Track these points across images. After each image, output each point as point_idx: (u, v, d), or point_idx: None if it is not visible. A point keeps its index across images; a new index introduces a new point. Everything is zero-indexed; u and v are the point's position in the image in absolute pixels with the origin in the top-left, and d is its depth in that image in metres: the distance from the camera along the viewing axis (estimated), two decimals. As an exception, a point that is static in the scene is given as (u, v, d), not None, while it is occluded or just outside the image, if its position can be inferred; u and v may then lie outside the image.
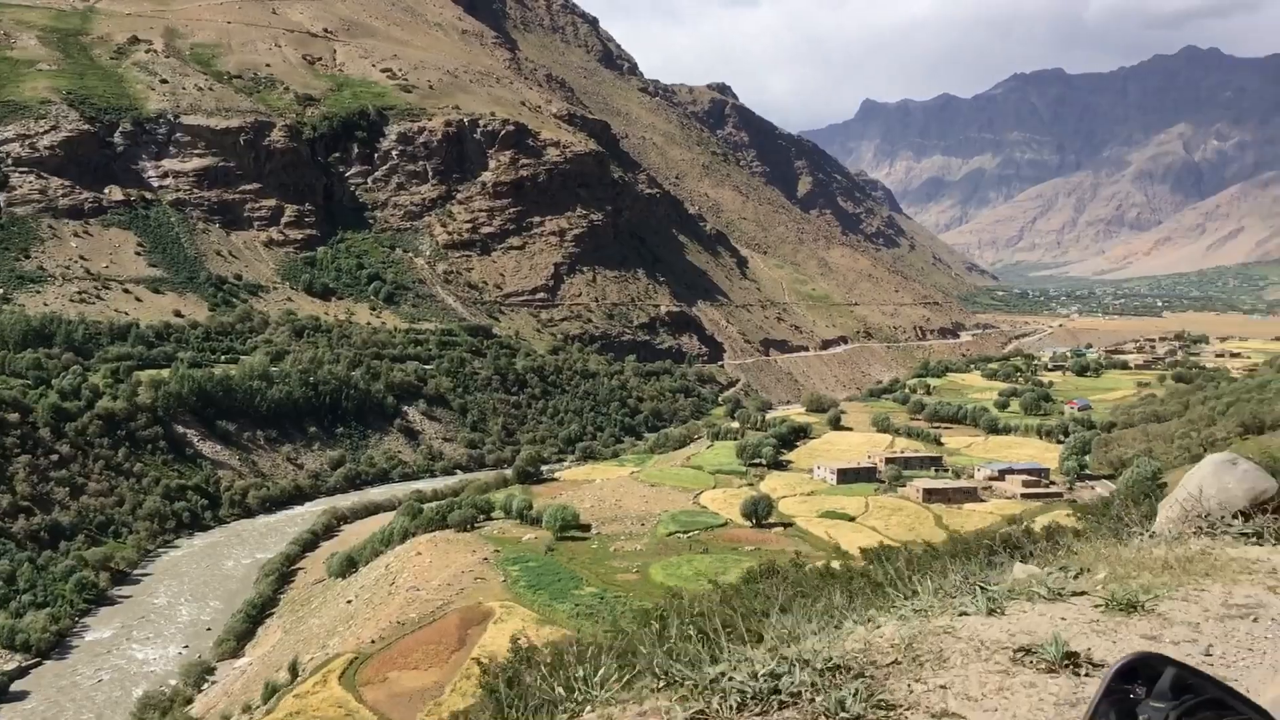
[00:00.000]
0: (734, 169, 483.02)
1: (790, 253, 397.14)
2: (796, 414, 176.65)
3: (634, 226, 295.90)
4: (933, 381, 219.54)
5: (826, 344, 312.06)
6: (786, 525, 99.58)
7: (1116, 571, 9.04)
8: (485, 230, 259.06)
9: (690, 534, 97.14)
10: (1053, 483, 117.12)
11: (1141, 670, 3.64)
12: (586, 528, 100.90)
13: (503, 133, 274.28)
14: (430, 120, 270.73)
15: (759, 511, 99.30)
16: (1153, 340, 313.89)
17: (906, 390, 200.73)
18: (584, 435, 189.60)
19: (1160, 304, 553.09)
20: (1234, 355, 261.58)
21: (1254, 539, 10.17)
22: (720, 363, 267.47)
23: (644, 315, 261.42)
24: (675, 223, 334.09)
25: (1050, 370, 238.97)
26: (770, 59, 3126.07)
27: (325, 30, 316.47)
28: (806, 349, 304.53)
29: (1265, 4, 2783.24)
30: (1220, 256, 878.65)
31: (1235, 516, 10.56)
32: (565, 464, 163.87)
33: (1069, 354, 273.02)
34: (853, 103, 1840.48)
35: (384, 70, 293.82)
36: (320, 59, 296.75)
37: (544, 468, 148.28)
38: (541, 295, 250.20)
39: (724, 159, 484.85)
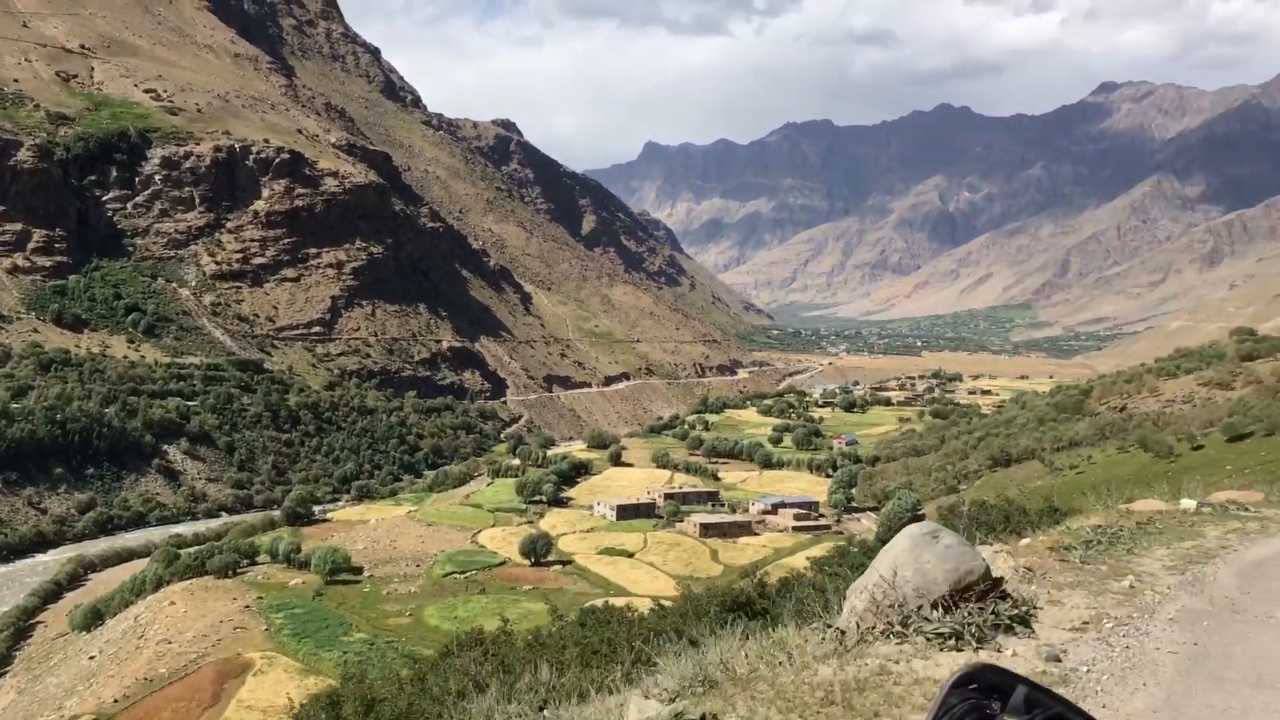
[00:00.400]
0: (518, 205, 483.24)
1: (574, 289, 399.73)
2: (578, 450, 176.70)
3: (416, 260, 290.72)
4: (711, 418, 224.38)
5: (609, 380, 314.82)
6: (565, 563, 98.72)
7: (756, 715, 7.27)
8: (257, 261, 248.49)
9: (467, 574, 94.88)
10: (822, 515, 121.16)
11: (981, 682, 3.52)
12: (359, 570, 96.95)
13: (277, 160, 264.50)
14: (198, 145, 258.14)
15: (538, 549, 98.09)
16: (913, 378, 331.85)
17: (686, 426, 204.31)
18: (360, 474, 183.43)
19: (920, 344, 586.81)
20: (985, 392, 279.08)
21: (952, 641, 8.47)
22: (503, 399, 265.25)
23: (425, 350, 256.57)
24: (458, 257, 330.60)
25: (821, 406, 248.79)
26: (556, 98, 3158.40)
27: (82, 47, 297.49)
28: (590, 385, 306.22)
29: (1010, 69, 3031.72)
30: (972, 300, 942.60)
31: (934, 607, 8.79)
32: (339, 504, 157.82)
33: (838, 391, 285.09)
34: (636, 144, 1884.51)
35: (147, 91, 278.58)
36: (76, 76, 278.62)
37: (316, 508, 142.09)
38: (318, 329, 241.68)
39: (508, 195, 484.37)
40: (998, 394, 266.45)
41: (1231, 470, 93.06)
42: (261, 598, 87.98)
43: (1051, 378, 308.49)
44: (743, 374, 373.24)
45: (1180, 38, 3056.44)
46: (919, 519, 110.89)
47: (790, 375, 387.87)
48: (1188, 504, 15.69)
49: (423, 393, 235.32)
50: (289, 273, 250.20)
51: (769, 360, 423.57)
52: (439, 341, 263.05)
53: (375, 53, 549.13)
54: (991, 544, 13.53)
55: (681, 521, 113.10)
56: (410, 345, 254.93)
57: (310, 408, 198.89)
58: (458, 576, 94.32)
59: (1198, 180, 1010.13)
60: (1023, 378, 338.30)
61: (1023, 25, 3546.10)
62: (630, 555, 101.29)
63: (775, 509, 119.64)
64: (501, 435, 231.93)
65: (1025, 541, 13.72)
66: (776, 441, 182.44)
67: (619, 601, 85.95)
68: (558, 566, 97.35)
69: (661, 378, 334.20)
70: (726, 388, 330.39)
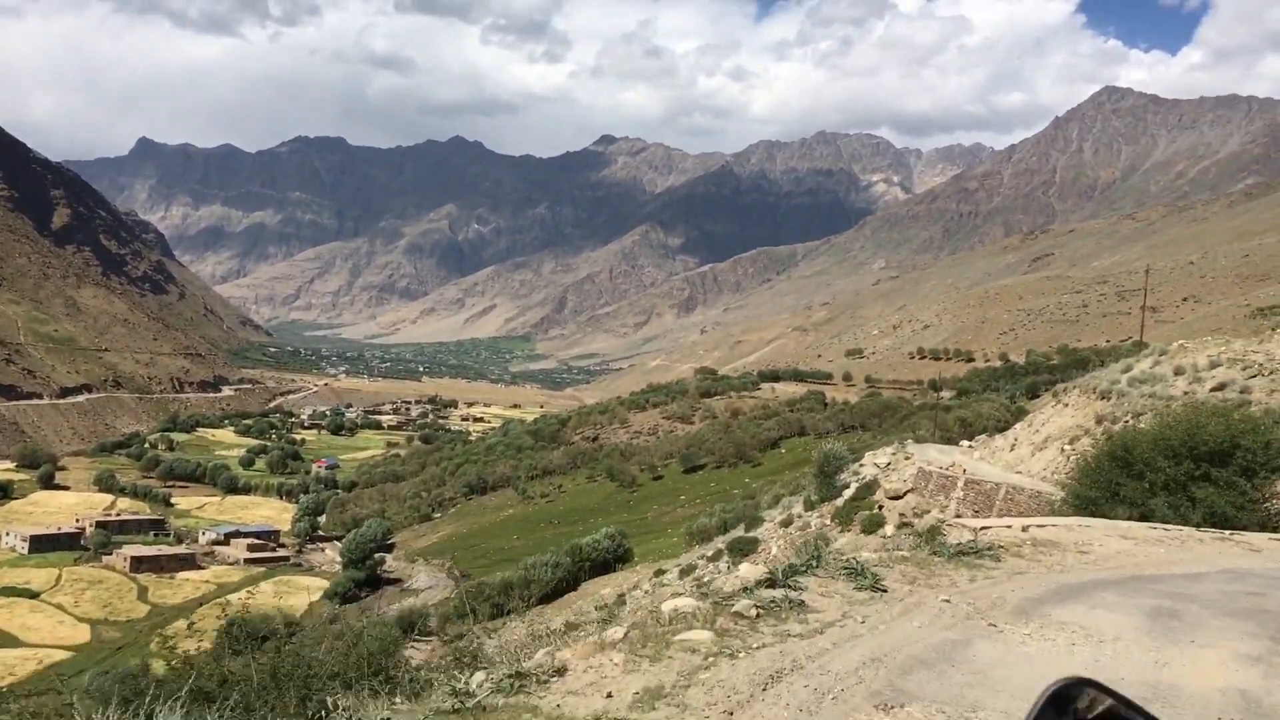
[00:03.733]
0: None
1: (32, 288, 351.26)
2: (1, 470, 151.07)
3: None
4: (179, 436, 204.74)
5: (66, 392, 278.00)
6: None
7: None
8: None
9: None
10: (283, 545, 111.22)
11: (1075, 696, 3.40)
12: None
13: None
14: None
15: (-98, 594, 79.26)
16: (409, 402, 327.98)
17: (146, 445, 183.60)
18: None
19: (422, 369, 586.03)
20: (477, 419, 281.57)
21: None
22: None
23: None
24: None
25: (307, 428, 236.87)
26: (35, 78, 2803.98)
27: None
28: (41, 396, 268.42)
29: (523, 111, 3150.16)
30: (476, 329, 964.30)
31: None
32: None
33: (328, 413, 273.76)
34: (128, 138, 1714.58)
35: None
36: None
37: None
38: None
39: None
40: (490, 421, 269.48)
41: (685, 500, 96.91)
42: None
43: (542, 407, 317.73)
44: (228, 391, 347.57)
45: (671, 103, 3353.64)
46: (387, 549, 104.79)
47: (282, 395, 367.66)
48: None
49: None
50: None
51: (260, 379, 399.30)
52: None
53: None
54: None
55: (111, 554, 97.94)
56: None
57: None
58: None
59: (679, 232, 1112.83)
60: (515, 406, 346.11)
61: (536, 71, 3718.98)
62: (35, 596, 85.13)
63: (228, 539, 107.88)
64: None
65: None
66: (249, 464, 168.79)
67: (5, 654, 70.94)
68: (-70, 614, 79.29)
69: (132, 391, 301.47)
70: (207, 405, 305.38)
